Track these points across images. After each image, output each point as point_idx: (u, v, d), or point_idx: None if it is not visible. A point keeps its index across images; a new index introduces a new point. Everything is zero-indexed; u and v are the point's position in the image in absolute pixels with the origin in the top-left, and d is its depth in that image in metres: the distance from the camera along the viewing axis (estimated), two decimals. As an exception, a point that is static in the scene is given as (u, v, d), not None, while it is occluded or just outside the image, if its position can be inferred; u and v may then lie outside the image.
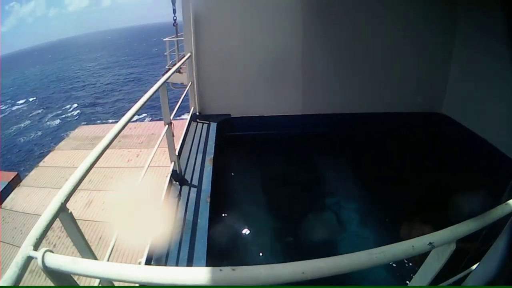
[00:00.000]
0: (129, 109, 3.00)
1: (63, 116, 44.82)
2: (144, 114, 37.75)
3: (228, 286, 1.27)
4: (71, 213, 1.90)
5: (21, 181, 9.99)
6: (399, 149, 6.70)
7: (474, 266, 2.09)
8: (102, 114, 43.13)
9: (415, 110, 7.11)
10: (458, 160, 6.12)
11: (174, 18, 11.52)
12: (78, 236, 2.00)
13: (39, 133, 39.58)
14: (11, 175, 12.77)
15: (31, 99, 56.55)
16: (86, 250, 2.04)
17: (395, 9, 6.54)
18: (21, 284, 1.37)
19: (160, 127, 10.63)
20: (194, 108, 7.20)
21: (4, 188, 11.82)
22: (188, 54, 6.74)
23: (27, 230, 5.13)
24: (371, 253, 1.38)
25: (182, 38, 13.63)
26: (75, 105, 48.40)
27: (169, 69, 13.50)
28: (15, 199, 8.33)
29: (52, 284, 1.53)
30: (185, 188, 4.66)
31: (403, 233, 4.82)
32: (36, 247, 1.49)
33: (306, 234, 5.33)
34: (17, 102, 57.11)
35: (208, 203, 4.33)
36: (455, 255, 1.71)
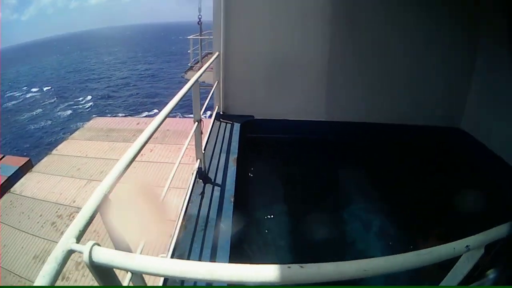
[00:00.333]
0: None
1: (75, 107, 45.24)
2: (156, 111, 38.05)
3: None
4: (113, 204, 1.73)
5: (32, 167, 9.93)
6: (415, 162, 6.65)
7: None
8: (114, 107, 43.55)
9: (434, 124, 7.00)
10: (474, 178, 6.02)
11: (199, 16, 11.53)
12: (116, 228, 1.83)
13: (49, 122, 39.99)
14: (23, 160, 12.76)
15: (45, 88, 57.10)
16: (124, 245, 1.88)
17: (420, 22, 6.47)
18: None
19: (174, 124, 10.71)
20: (218, 108, 7.19)
21: (14, 172, 11.82)
22: (217, 54, 6.74)
23: (34, 215, 5.06)
24: (420, 254, 1.44)
25: (206, 37, 13.80)
26: (89, 97, 48.88)
27: (192, 66, 13.59)
28: (25, 184, 8.32)
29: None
30: (209, 187, 4.63)
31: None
32: (78, 239, 1.37)
33: (325, 236, 5.29)
34: (31, 90, 57.68)
35: (232, 203, 4.32)
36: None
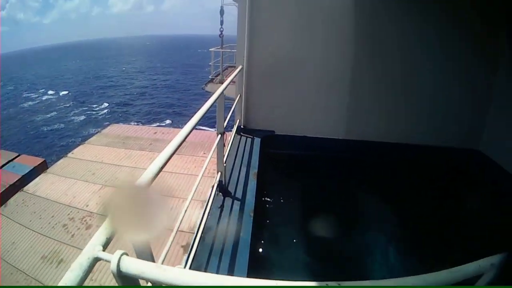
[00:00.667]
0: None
1: (89, 112, 45.79)
2: (168, 121, 38.41)
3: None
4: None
5: (47, 168, 9.95)
6: (433, 183, 6.61)
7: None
8: (129, 115, 44.01)
9: (452, 145, 6.90)
10: (493, 200, 5.94)
11: (221, 29, 11.63)
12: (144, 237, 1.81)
13: (62, 125, 40.46)
14: (38, 160, 12.79)
15: (62, 93, 57.90)
16: (147, 252, 1.87)
17: (440, 43, 6.43)
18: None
19: (193, 134, 10.64)
20: (239, 121, 7.20)
21: (29, 171, 11.86)
22: (240, 67, 6.77)
23: (46, 216, 5.04)
24: (452, 271, 1.41)
25: (228, 50, 13.88)
26: (106, 104, 49.30)
27: (212, 79, 13.64)
28: (39, 184, 8.35)
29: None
30: (228, 200, 4.60)
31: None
32: (105, 247, 1.35)
33: (344, 253, 5.47)
34: (48, 92, 58.61)
35: (252, 217, 4.27)
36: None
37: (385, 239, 5.89)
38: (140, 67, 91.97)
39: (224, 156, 4.78)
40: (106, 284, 4.88)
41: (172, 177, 7.59)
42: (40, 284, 5.46)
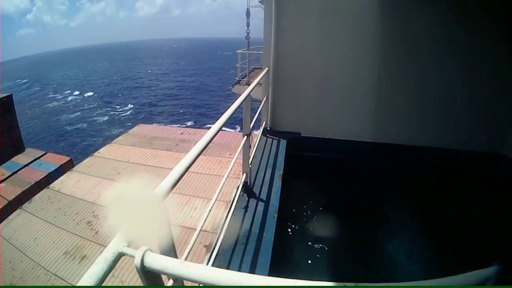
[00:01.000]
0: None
1: (112, 113, 46.49)
2: (189, 123, 38.92)
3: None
4: (167, 210, 1.78)
5: (73, 166, 10.07)
6: (459, 187, 6.39)
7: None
8: (153, 115, 44.61)
9: (476, 149, 6.73)
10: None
11: (248, 31, 11.64)
12: (168, 236, 1.87)
13: (85, 125, 41.54)
14: (64, 159, 13.09)
15: (87, 94, 59.05)
16: (170, 250, 1.88)
17: (467, 45, 6.28)
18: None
19: (219, 136, 10.64)
20: (265, 123, 7.20)
21: (55, 169, 12.05)
22: (266, 69, 6.76)
23: (71, 212, 5.07)
24: (467, 276, 1.35)
25: (254, 52, 13.89)
26: (130, 105, 50.03)
27: (239, 80, 13.65)
28: (65, 181, 8.42)
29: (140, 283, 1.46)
30: (253, 201, 4.59)
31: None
32: (130, 243, 1.38)
33: (366, 257, 5.49)
34: (74, 93, 59.93)
35: (275, 218, 4.25)
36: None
37: (410, 243, 5.90)
38: (166, 69, 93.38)
39: (249, 157, 4.76)
40: (127, 281, 4.91)
41: (198, 177, 7.59)
42: (59, 279, 5.52)
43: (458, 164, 6.67)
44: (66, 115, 46.18)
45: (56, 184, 8.35)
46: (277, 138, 6.87)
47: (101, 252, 1.32)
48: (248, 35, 11.99)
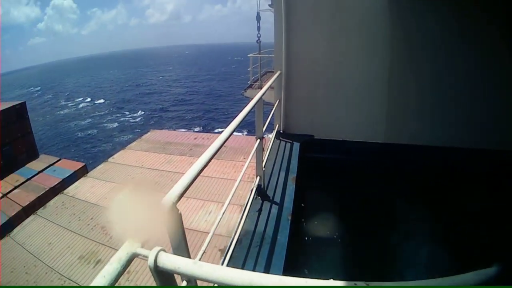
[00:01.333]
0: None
1: (123, 119, 47.00)
2: (197, 128, 39.70)
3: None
4: (180, 214, 1.79)
5: (87, 172, 10.16)
6: (474, 187, 6.26)
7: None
8: (164, 121, 45.13)
9: (493, 147, 6.42)
10: None
11: (258, 35, 11.70)
12: (181, 239, 1.89)
13: (95, 131, 42.26)
14: (78, 165, 13.23)
15: (98, 101, 59.95)
16: (184, 251, 1.91)
17: (481, 40, 6.13)
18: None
19: (231, 140, 10.67)
20: (278, 126, 7.18)
21: (69, 175, 12.17)
22: (278, 72, 6.76)
23: (85, 217, 5.14)
24: (479, 274, 1.34)
25: (266, 55, 13.93)
26: (141, 111, 50.51)
27: (251, 84, 13.68)
28: (79, 187, 8.52)
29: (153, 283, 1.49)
30: (266, 204, 4.59)
31: None
32: (143, 244, 1.41)
33: (379, 259, 5.43)
34: (86, 100, 60.78)
35: (289, 221, 4.26)
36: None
37: (425, 245, 5.82)
38: (177, 75, 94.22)
39: (263, 160, 4.76)
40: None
41: (212, 182, 7.63)
42: (73, 283, 5.56)
43: (478, 163, 6.52)
44: (77, 121, 47.02)
45: (70, 189, 8.44)
46: (290, 141, 6.86)
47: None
48: (259, 39, 12.04)
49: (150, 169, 8.99)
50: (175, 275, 1.48)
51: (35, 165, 13.94)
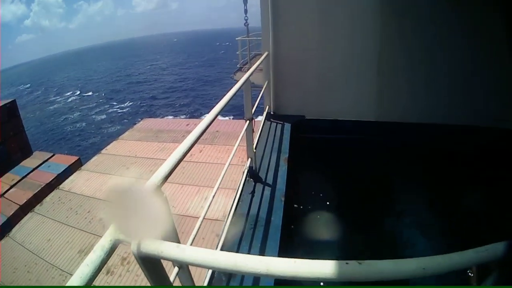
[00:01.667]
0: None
1: (112, 110, 47.17)
2: (183, 116, 39.50)
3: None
4: (165, 197, 1.71)
5: (81, 165, 10.14)
6: (466, 164, 6.34)
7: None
8: (155, 109, 45.24)
9: (485, 122, 6.51)
10: None
11: (246, 18, 11.64)
12: (169, 221, 1.79)
13: (84, 124, 42.62)
14: (72, 159, 13.19)
15: (87, 94, 59.88)
16: (174, 238, 1.87)
17: (472, 15, 6.08)
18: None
19: (224, 125, 10.72)
20: (269, 108, 7.15)
21: (63, 170, 12.15)
22: (266, 53, 6.69)
23: (82, 211, 5.16)
24: (478, 251, 1.30)
25: (254, 38, 13.82)
26: (129, 102, 50.67)
27: (240, 67, 13.61)
28: (74, 181, 8.53)
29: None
30: (259, 186, 4.58)
31: None
32: (128, 231, 1.37)
33: (373, 236, 5.53)
34: (75, 94, 60.71)
35: (283, 202, 4.26)
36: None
37: (418, 222, 5.89)
38: (166, 63, 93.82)
39: (254, 142, 4.77)
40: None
41: (207, 167, 7.63)
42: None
43: (469, 140, 6.53)
44: (66, 115, 47.19)
45: (66, 184, 8.44)
46: (281, 122, 6.81)
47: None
48: (246, 22, 11.97)
49: (144, 158, 9.01)
50: (168, 263, 1.45)
51: (29, 162, 13.88)
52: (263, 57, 6.43)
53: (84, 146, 32.72)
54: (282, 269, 1.15)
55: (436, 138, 6.69)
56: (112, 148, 10.04)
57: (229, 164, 3.74)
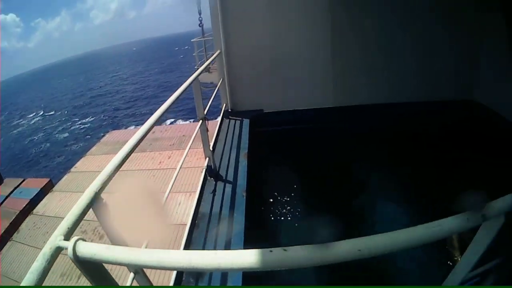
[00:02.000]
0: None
1: (72, 128, 46.51)
2: (132, 127, 39.19)
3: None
4: (105, 202, 1.80)
5: (53, 186, 10.06)
6: (431, 138, 6.58)
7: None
8: (119, 120, 45.00)
9: (446, 98, 6.81)
10: (491, 148, 5.82)
11: (200, 18, 11.64)
12: (111, 226, 1.88)
13: (48, 144, 41.69)
14: (43, 181, 12.95)
15: (50, 113, 59.04)
16: (119, 241, 1.90)
17: None
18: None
19: (190, 129, 10.70)
20: (226, 105, 7.19)
21: (36, 194, 12.02)
22: (218, 51, 6.76)
23: (59, 234, 5.01)
24: (428, 227, 1.29)
25: (210, 38, 13.87)
26: (91, 117, 50.05)
27: (198, 69, 13.60)
28: (47, 204, 8.36)
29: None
30: (220, 184, 4.64)
31: None
32: (67, 237, 1.41)
33: (339, 225, 5.48)
34: (38, 115, 59.92)
35: (244, 197, 4.30)
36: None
37: (391, 204, 5.97)
38: (126, 73, 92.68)
39: (210, 141, 4.82)
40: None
41: (173, 173, 7.69)
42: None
43: (428, 115, 6.78)
44: (30, 138, 46.44)
45: (39, 208, 8.31)
46: (239, 118, 6.85)
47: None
48: (201, 22, 11.96)
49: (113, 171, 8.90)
50: (123, 268, 1.44)
51: (1, 191, 13.68)
52: (215, 55, 6.55)
53: (51, 167, 31.97)
54: (203, 261, 1.19)
55: (400, 120, 6.82)
56: (82, 165, 9.93)
57: (181, 167, 3.83)
